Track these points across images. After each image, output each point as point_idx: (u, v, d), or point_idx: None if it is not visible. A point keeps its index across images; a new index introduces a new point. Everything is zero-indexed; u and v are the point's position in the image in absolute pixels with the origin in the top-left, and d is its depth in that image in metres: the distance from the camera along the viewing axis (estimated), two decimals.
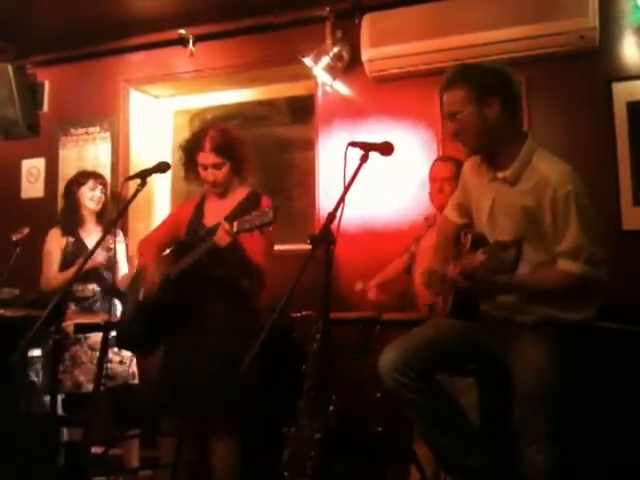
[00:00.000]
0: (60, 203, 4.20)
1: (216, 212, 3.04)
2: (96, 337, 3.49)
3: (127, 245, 4.09)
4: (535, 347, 2.26)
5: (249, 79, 4.60)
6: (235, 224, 2.67)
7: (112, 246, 3.73)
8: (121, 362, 3.65)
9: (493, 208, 2.39)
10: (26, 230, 3.81)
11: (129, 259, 3.96)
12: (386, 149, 2.28)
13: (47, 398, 3.37)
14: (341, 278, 3.88)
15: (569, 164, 2.31)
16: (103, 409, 3.31)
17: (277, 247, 3.18)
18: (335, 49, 4.04)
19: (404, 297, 3.49)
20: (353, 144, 2.25)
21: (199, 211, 3.13)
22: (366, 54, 3.94)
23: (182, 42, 4.48)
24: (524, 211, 2.29)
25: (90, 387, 3.47)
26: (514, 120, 2.38)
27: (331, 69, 4.09)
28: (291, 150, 4.86)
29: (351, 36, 4.04)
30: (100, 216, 3.89)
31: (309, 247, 2.08)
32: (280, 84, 4.64)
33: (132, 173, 3.47)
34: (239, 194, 3.09)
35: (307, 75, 4.16)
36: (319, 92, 4.27)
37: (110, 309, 3.50)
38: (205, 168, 3.02)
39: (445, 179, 3.31)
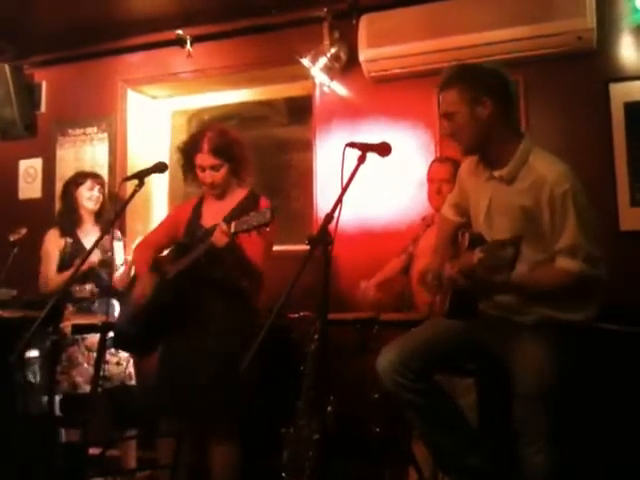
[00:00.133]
0: (58, 204, 4.20)
1: (214, 213, 3.04)
2: (93, 338, 3.48)
3: (125, 245, 4.08)
4: (535, 347, 2.26)
5: (247, 80, 4.59)
6: (233, 225, 2.67)
7: (109, 246, 3.72)
8: (118, 363, 3.65)
9: (490, 207, 2.40)
10: (23, 230, 3.80)
11: (126, 259, 3.96)
12: (384, 150, 2.28)
13: (45, 399, 3.37)
14: (339, 279, 3.89)
15: (567, 164, 2.31)
16: (100, 410, 3.30)
17: (275, 248, 3.18)
18: (333, 50, 4.04)
19: (402, 297, 3.49)
20: (351, 145, 2.25)
21: (197, 212, 3.13)
22: (364, 55, 3.94)
23: (180, 42, 4.48)
24: (521, 210, 2.29)
25: (87, 388, 3.47)
26: (509, 120, 2.38)
27: (329, 70, 4.09)
28: (289, 151, 4.86)
29: (349, 37, 4.04)
30: (98, 216, 3.89)
31: (307, 248, 2.09)
32: (278, 85, 4.63)
33: (130, 173, 3.44)
34: (238, 195, 3.09)
35: (305, 76, 4.16)
36: (317, 93, 4.27)
37: (108, 310, 3.49)
38: (203, 170, 3.01)
39: (443, 180, 3.32)
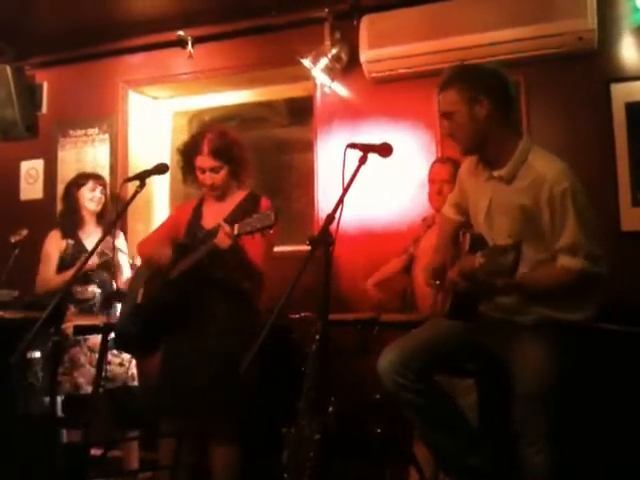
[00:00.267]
0: (59, 205, 4.20)
1: (215, 214, 3.04)
2: (95, 339, 3.48)
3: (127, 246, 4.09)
4: (535, 347, 2.26)
5: (248, 80, 4.60)
6: (236, 227, 2.66)
7: (111, 248, 3.73)
8: (121, 364, 3.64)
9: (490, 207, 2.40)
10: (25, 232, 3.81)
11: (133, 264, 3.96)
12: (385, 150, 2.28)
13: (46, 400, 3.37)
14: (340, 279, 3.89)
15: (566, 163, 2.31)
16: (102, 411, 3.31)
17: (276, 248, 3.18)
18: (334, 50, 4.04)
19: (403, 298, 3.49)
20: (352, 145, 2.25)
21: (197, 213, 3.13)
22: (365, 55, 3.94)
23: (181, 43, 4.48)
24: (521, 209, 2.30)
25: (89, 389, 3.47)
26: (509, 120, 2.38)
27: (330, 70, 4.09)
28: (290, 151, 4.86)
29: (350, 37, 4.04)
30: (100, 217, 3.89)
31: (308, 248, 2.09)
32: (279, 85, 4.64)
33: (131, 174, 3.47)
34: (238, 196, 3.09)
35: (306, 76, 4.16)
36: (318, 93, 4.27)
37: (110, 311, 3.49)
38: (203, 171, 3.01)
39: (444, 181, 3.32)
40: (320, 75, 4.10)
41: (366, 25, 3.94)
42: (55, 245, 3.82)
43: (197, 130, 3.85)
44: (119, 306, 3.65)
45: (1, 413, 3.35)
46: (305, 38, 4.14)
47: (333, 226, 2.10)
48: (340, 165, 2.16)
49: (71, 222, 3.85)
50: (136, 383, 3.72)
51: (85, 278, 3.69)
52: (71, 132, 4.93)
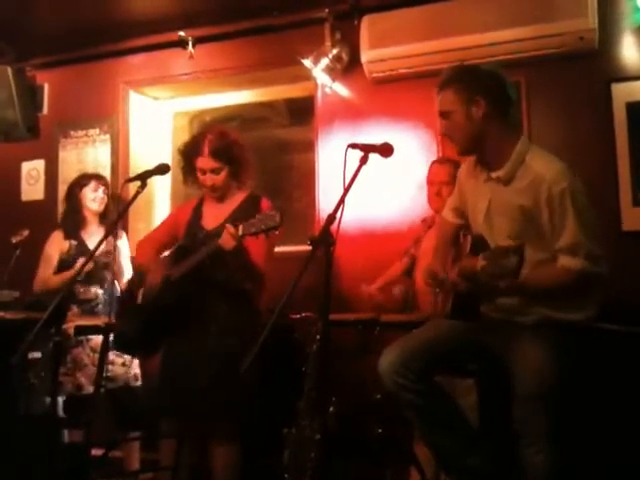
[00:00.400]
0: (62, 206, 4.20)
1: (215, 215, 3.04)
2: (98, 339, 3.48)
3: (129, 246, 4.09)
4: (535, 347, 2.26)
5: (248, 81, 4.60)
6: (240, 227, 2.66)
7: (112, 247, 3.73)
8: (123, 364, 3.64)
9: (490, 209, 2.40)
10: (26, 232, 3.81)
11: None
12: (386, 150, 2.29)
13: (47, 400, 3.38)
14: (341, 279, 3.89)
15: (569, 164, 2.31)
16: (103, 411, 3.31)
17: (277, 249, 3.18)
18: (334, 51, 4.04)
19: (405, 299, 3.49)
20: (353, 146, 2.25)
21: (197, 214, 3.12)
22: (365, 55, 3.94)
23: (181, 44, 4.48)
24: (521, 210, 2.30)
25: (91, 389, 3.47)
26: (507, 121, 2.38)
27: (330, 70, 4.09)
28: (291, 152, 4.87)
29: (350, 38, 4.04)
30: (103, 217, 3.89)
31: (309, 248, 2.09)
32: (279, 86, 4.64)
33: (132, 175, 3.47)
34: (238, 197, 3.09)
35: (306, 77, 4.16)
36: (319, 94, 4.28)
37: (111, 312, 3.49)
38: (203, 172, 3.01)
39: (442, 182, 3.30)
40: (321, 75, 4.11)
41: (367, 25, 3.94)
42: (56, 246, 3.82)
43: (198, 131, 3.84)
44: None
45: (2, 413, 3.35)
46: (306, 38, 4.14)
47: (334, 226, 2.10)
48: (341, 165, 2.16)
49: (74, 222, 3.86)
50: (139, 383, 3.72)
51: (87, 279, 3.69)
52: (72, 133, 4.93)
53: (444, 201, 2.93)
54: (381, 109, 4.10)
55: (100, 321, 3.36)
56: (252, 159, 3.14)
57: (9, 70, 4.71)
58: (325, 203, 4.14)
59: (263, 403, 2.93)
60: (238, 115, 4.94)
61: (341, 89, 4.22)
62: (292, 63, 4.09)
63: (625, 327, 2.68)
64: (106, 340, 3.20)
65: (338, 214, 2.12)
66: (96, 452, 3.26)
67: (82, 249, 3.76)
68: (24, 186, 5.05)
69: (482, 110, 2.31)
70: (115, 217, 3.54)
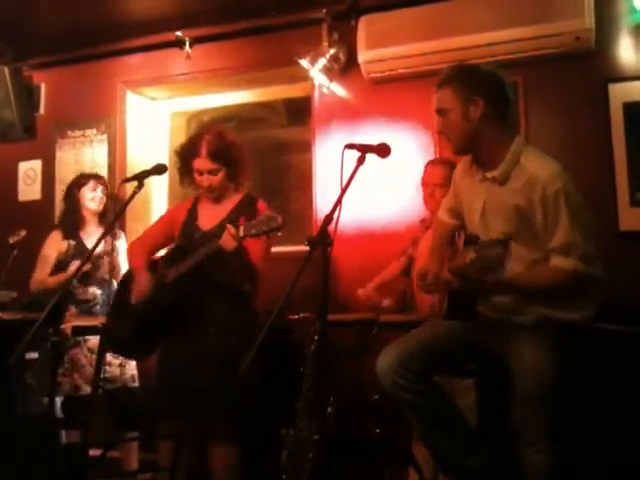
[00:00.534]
0: (60, 206, 4.20)
1: (211, 216, 3.04)
2: (96, 340, 3.47)
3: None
4: (534, 347, 2.27)
5: (246, 81, 4.59)
6: (241, 228, 2.66)
7: (110, 247, 3.73)
8: (121, 365, 3.64)
9: (485, 209, 2.40)
10: (23, 232, 3.80)
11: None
12: (383, 151, 2.29)
13: (45, 400, 3.37)
14: (339, 280, 3.89)
15: (566, 165, 2.32)
16: (101, 412, 3.31)
17: (274, 249, 3.18)
18: (332, 51, 4.04)
19: (403, 299, 3.49)
20: (350, 146, 2.26)
21: (193, 214, 3.12)
22: (363, 56, 3.94)
23: (179, 44, 4.48)
24: (516, 210, 2.30)
25: (89, 390, 3.47)
26: (504, 122, 2.39)
27: (328, 71, 4.09)
28: (288, 152, 4.86)
29: (348, 38, 4.04)
30: (102, 217, 3.89)
31: (306, 249, 2.09)
32: (277, 86, 4.64)
33: (129, 175, 3.46)
34: (235, 198, 3.08)
35: (304, 77, 4.16)
36: (316, 94, 4.27)
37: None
38: (201, 173, 3.00)
39: (436, 184, 3.30)
40: (318, 76, 4.10)
41: (364, 26, 3.94)
42: (55, 246, 3.81)
43: (195, 131, 3.84)
44: None
45: (0, 414, 3.35)
46: (303, 39, 4.14)
47: (331, 227, 2.10)
48: (338, 165, 2.16)
49: (72, 222, 3.85)
50: (136, 384, 3.71)
51: (85, 279, 3.69)
52: (69, 133, 4.92)
53: (438, 203, 2.94)
54: (378, 109, 4.10)
55: (97, 321, 3.35)
56: (249, 160, 3.14)
57: (6, 70, 4.71)
58: (322, 203, 4.14)
59: (261, 404, 2.93)
60: (236, 115, 4.94)
61: (338, 89, 4.22)
62: (289, 63, 4.08)
63: (623, 327, 2.68)
64: (103, 341, 3.19)
65: (335, 214, 2.12)
66: (94, 452, 3.26)
67: (81, 249, 3.76)
68: (21, 186, 5.04)
69: (480, 110, 2.32)
70: (111, 217, 3.55)
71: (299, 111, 4.64)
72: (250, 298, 3.00)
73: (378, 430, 2.96)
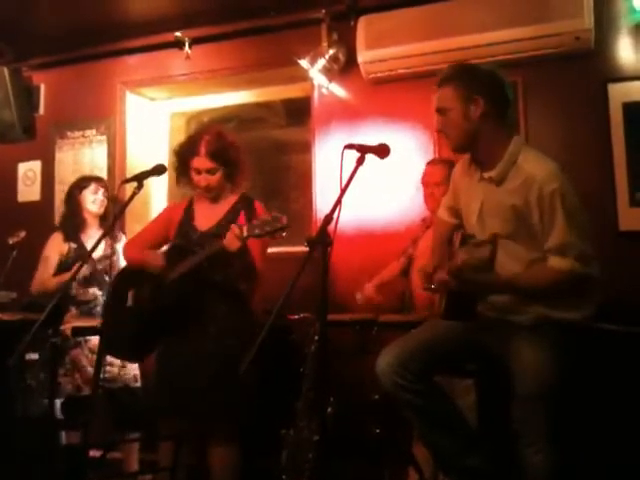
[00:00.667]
0: (59, 207, 4.19)
1: (208, 216, 3.04)
2: (97, 340, 3.45)
3: None
4: (534, 347, 2.27)
5: (245, 81, 4.59)
6: (245, 229, 2.66)
7: (110, 249, 3.73)
8: (122, 365, 3.63)
9: (482, 209, 2.41)
10: (22, 233, 3.80)
11: None
12: (382, 151, 2.29)
13: (45, 401, 3.37)
14: (338, 280, 3.88)
15: (565, 165, 2.32)
16: (101, 412, 3.30)
17: (274, 249, 3.18)
18: (331, 51, 4.04)
19: (402, 299, 3.49)
20: (349, 146, 2.26)
21: (189, 214, 3.11)
22: (362, 56, 3.94)
23: (178, 45, 4.48)
24: (513, 210, 2.31)
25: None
26: (503, 122, 2.39)
27: (327, 71, 4.09)
28: (288, 152, 4.86)
29: (347, 38, 4.04)
30: (103, 220, 3.87)
31: (306, 249, 2.09)
32: (276, 86, 4.64)
33: (129, 176, 3.45)
34: (231, 199, 3.08)
35: (303, 77, 4.16)
36: (315, 94, 4.27)
37: None
38: (199, 172, 3.00)
39: (435, 184, 3.31)
40: (318, 76, 4.10)
41: (363, 26, 3.94)
42: (56, 248, 3.80)
43: (194, 131, 3.83)
44: None
45: (0, 415, 3.35)
46: (302, 39, 4.14)
47: (331, 227, 2.10)
48: (338, 166, 2.16)
49: (73, 225, 3.84)
50: (139, 384, 3.71)
51: (86, 280, 3.68)
52: (69, 133, 4.92)
53: (437, 202, 2.94)
54: (378, 110, 4.10)
55: (97, 322, 3.35)
56: (247, 161, 3.14)
57: (5, 71, 4.71)
58: (322, 204, 4.14)
59: (261, 404, 2.93)
60: (235, 116, 4.94)
61: (338, 90, 4.22)
62: (289, 64, 4.08)
63: (623, 327, 2.68)
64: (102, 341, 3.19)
65: (335, 215, 2.12)
66: (94, 453, 3.26)
67: (81, 252, 3.75)
68: (20, 187, 5.04)
69: (480, 110, 2.32)
70: (113, 218, 3.55)
71: (299, 111, 4.64)
72: (247, 297, 3.00)
73: (378, 430, 2.97)
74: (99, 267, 3.73)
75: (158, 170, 2.79)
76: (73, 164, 4.87)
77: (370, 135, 3.95)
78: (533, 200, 2.25)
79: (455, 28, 3.70)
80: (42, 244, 3.87)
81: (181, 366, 2.90)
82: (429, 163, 3.52)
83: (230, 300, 2.94)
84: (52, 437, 3.32)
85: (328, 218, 2.12)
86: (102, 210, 3.86)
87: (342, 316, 3.27)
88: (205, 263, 2.79)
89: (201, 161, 2.98)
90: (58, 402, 3.44)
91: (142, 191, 2.69)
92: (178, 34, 4.42)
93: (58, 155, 4.95)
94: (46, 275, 3.76)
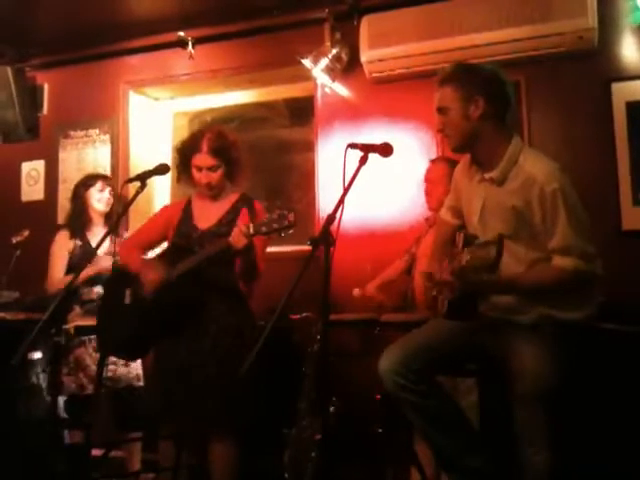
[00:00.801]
0: (63, 206, 4.20)
1: (208, 215, 3.03)
2: None
3: None
4: (534, 347, 2.26)
5: (248, 81, 4.60)
6: (251, 226, 2.66)
7: (114, 249, 3.73)
8: (126, 364, 3.63)
9: (484, 210, 2.41)
10: (26, 233, 3.81)
11: None
12: (385, 150, 2.29)
13: (48, 400, 3.38)
14: (341, 280, 3.86)
15: (568, 164, 2.33)
16: (104, 411, 3.31)
17: (277, 248, 3.18)
18: (334, 51, 4.04)
19: (404, 298, 3.49)
20: (352, 145, 2.26)
21: (188, 213, 3.10)
22: (365, 55, 3.95)
23: (181, 44, 4.49)
24: (513, 211, 2.31)
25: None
26: (504, 122, 2.39)
27: (330, 71, 4.09)
28: (291, 152, 4.86)
29: (350, 38, 4.04)
30: (108, 218, 3.87)
31: (309, 249, 2.09)
32: (279, 86, 4.64)
33: (132, 175, 3.46)
34: (231, 197, 3.08)
35: (306, 77, 4.17)
36: (318, 94, 4.28)
37: None
38: (200, 170, 3.00)
39: (434, 181, 3.32)
40: (320, 75, 4.11)
41: (366, 25, 3.94)
42: (63, 246, 3.79)
43: (196, 130, 3.84)
44: None
45: (2, 414, 3.35)
46: (305, 39, 4.14)
47: (334, 226, 2.11)
48: (341, 165, 2.16)
49: (79, 223, 3.83)
50: (141, 383, 3.71)
51: (90, 279, 3.68)
52: (72, 133, 4.93)
53: (436, 200, 2.95)
54: (381, 109, 4.10)
55: None
56: (247, 161, 3.14)
57: (9, 70, 4.72)
58: (325, 203, 4.14)
59: (263, 403, 2.93)
60: (238, 115, 4.94)
61: (341, 89, 4.22)
62: (292, 63, 4.08)
63: (625, 327, 2.68)
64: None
65: (338, 214, 2.12)
66: (97, 452, 3.27)
67: (87, 249, 3.74)
68: (24, 186, 5.05)
69: (480, 110, 2.32)
70: (116, 217, 3.56)
71: (301, 111, 4.64)
72: (248, 297, 3.01)
73: (380, 430, 2.96)
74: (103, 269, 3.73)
75: (161, 169, 2.80)
76: (76, 163, 4.88)
77: (373, 134, 3.95)
78: (534, 200, 2.25)
79: (459, 27, 3.70)
80: (46, 243, 3.86)
81: (182, 365, 2.89)
82: (430, 161, 3.54)
83: (230, 299, 2.94)
84: (55, 436, 3.32)
85: (331, 217, 2.13)
86: (108, 208, 3.86)
87: (344, 316, 3.27)
88: (204, 263, 2.79)
89: (203, 158, 2.98)
90: (61, 401, 3.45)
91: (145, 190, 2.70)
92: (181, 34, 4.43)
93: (61, 155, 4.96)
94: (58, 274, 3.73)
